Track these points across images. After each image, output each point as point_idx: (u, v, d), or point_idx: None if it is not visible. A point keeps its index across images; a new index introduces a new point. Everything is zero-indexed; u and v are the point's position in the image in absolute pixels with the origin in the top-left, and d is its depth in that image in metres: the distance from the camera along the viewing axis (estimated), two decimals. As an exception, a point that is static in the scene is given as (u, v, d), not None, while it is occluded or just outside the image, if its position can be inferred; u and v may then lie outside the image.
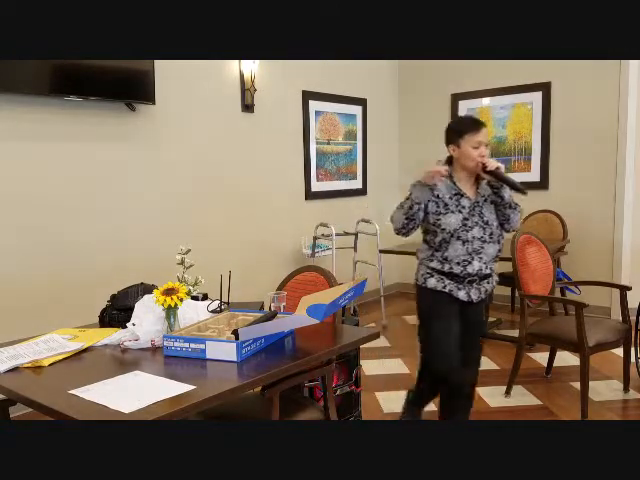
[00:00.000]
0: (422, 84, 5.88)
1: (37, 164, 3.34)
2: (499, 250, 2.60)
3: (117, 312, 2.33)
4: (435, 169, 2.45)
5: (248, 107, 4.50)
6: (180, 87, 4.04)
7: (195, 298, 2.37)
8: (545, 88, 5.11)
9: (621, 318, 3.42)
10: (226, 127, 4.38)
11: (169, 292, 2.04)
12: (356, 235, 5.13)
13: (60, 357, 1.96)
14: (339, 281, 2.51)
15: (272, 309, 2.19)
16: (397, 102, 6.08)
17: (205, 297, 2.44)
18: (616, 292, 3.83)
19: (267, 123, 4.69)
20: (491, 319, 4.85)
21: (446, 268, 2.52)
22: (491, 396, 3.39)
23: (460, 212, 2.49)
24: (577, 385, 3.33)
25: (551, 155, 5.16)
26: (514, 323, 4.84)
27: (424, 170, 2.47)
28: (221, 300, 2.34)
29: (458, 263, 2.51)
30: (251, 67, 4.44)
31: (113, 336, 2.14)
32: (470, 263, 2.51)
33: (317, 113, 5.15)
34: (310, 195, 5.14)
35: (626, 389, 3.43)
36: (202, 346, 1.89)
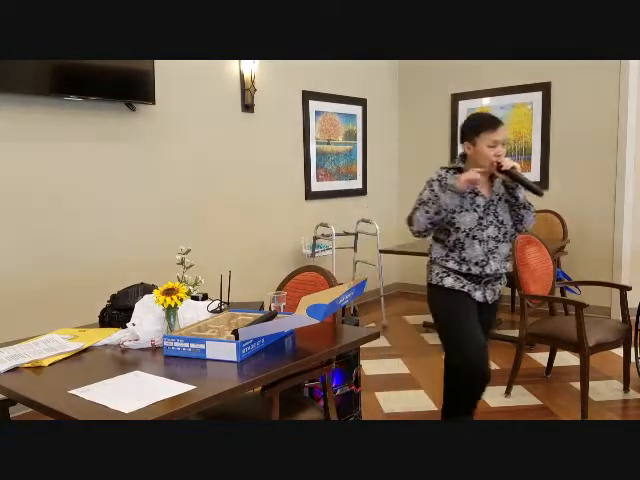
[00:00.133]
0: (422, 84, 5.88)
1: (37, 164, 3.34)
2: (510, 249, 2.56)
3: (117, 312, 2.33)
4: (472, 177, 2.35)
5: (248, 107, 4.50)
6: (180, 87, 4.04)
7: (195, 298, 2.37)
8: (545, 88, 5.11)
9: (621, 318, 3.42)
10: (226, 127, 4.38)
11: (169, 292, 2.04)
12: (356, 235, 5.13)
13: (60, 357, 1.96)
14: (339, 281, 2.51)
15: (272, 309, 2.19)
16: (397, 102, 6.08)
17: (205, 297, 2.43)
18: (616, 292, 3.83)
19: (267, 123, 4.69)
20: (491, 319, 4.85)
21: (464, 269, 2.46)
22: (491, 396, 3.39)
23: (475, 211, 2.44)
24: (577, 385, 3.33)
25: (551, 155, 5.16)
26: (514, 323, 4.84)
27: (461, 177, 2.37)
28: (221, 300, 2.34)
29: (477, 264, 2.45)
30: (251, 67, 4.44)
31: (113, 336, 2.14)
32: (487, 263, 2.46)
33: (317, 113, 5.15)
34: (310, 195, 5.14)
35: (626, 389, 3.43)
36: (202, 346, 1.89)
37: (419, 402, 3.38)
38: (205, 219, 4.27)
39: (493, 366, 3.89)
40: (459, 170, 2.51)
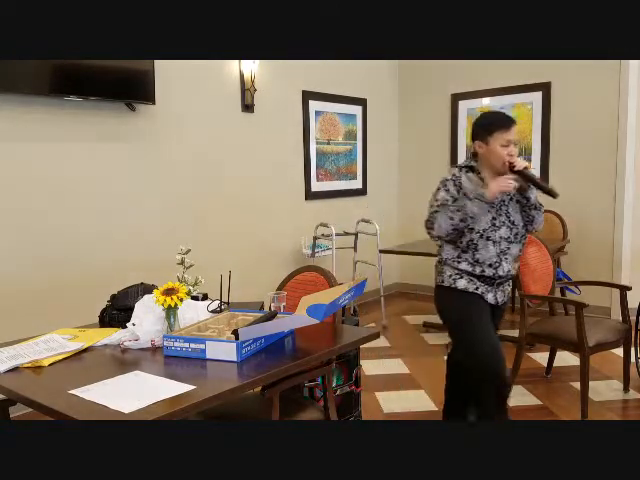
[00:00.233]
0: (422, 84, 5.88)
1: (37, 164, 3.34)
2: (520, 250, 2.52)
3: (117, 312, 2.33)
4: (505, 188, 2.30)
5: (248, 107, 4.50)
6: (180, 87, 4.04)
7: (195, 298, 2.37)
8: (545, 88, 5.11)
9: (621, 318, 3.42)
10: (226, 127, 4.38)
11: (169, 292, 2.04)
12: (356, 235, 5.12)
13: (60, 357, 1.96)
14: (339, 281, 2.51)
15: (272, 309, 2.19)
16: (397, 102, 6.07)
17: (205, 297, 2.43)
18: (616, 292, 3.83)
19: (267, 123, 4.69)
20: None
21: (477, 271, 2.42)
22: (491, 396, 3.39)
23: (488, 211, 2.40)
24: (577, 385, 3.33)
25: (551, 155, 5.16)
26: (514, 323, 4.83)
27: (492, 187, 2.32)
28: (221, 300, 2.34)
29: (490, 265, 2.42)
30: (251, 67, 4.44)
31: (113, 336, 2.14)
32: (500, 265, 2.43)
33: (317, 113, 5.15)
34: (310, 195, 5.14)
35: (626, 389, 3.43)
36: (202, 346, 1.89)
37: (419, 402, 3.38)
38: (205, 219, 4.27)
39: (493, 366, 3.90)
40: (471, 169, 2.48)
